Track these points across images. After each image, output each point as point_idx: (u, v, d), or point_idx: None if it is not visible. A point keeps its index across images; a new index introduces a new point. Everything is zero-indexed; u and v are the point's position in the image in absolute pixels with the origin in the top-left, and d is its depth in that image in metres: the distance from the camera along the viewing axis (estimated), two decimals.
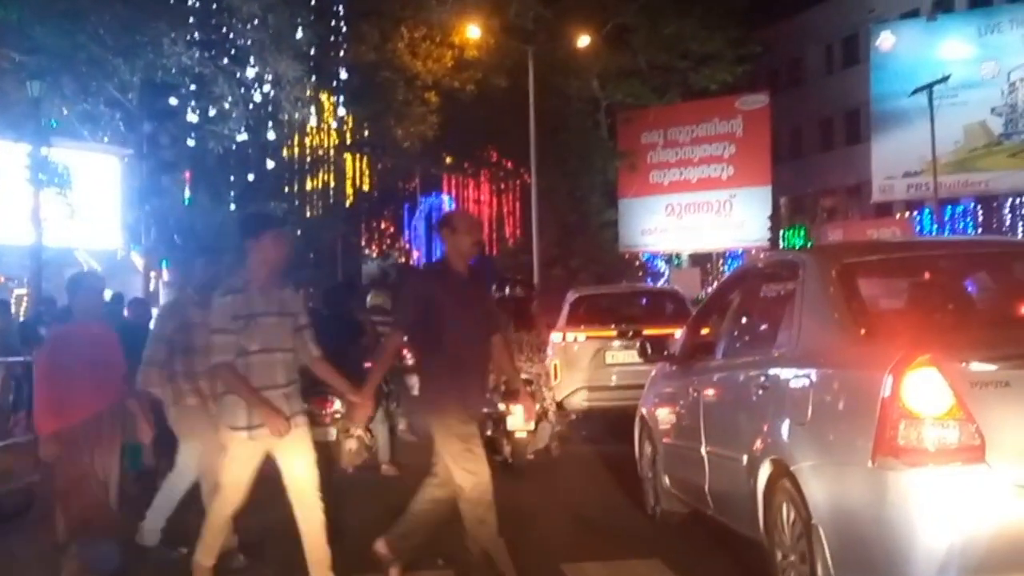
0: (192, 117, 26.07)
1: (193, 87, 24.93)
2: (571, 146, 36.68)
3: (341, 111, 36.05)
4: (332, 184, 46.71)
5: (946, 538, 4.34)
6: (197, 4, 25.46)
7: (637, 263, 39.49)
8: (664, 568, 6.79)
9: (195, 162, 27.62)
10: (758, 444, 5.63)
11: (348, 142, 38.27)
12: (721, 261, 37.82)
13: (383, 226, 70.25)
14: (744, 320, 7.08)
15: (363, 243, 68.51)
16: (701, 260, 37.69)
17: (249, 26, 25.57)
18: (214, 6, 25.86)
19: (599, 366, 13.73)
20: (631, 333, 13.43)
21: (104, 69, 20.33)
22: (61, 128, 22.62)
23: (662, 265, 38.90)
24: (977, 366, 4.50)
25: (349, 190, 50.21)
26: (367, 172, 48.81)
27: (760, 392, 5.82)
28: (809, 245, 32.95)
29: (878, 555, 4.55)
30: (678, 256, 38.77)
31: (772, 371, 5.74)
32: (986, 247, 7.87)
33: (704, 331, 7.88)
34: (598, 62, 35.29)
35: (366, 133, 37.02)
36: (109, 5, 21.18)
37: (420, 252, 65.37)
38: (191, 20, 24.39)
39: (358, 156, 44.87)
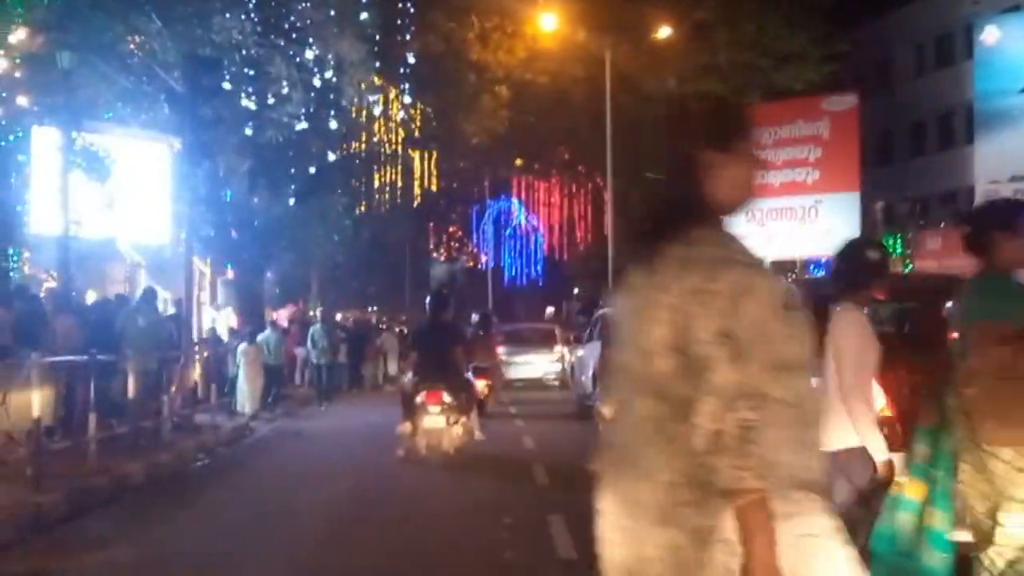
0: (248, 103, 24.81)
1: (248, 71, 23.68)
2: (646, 147, 35.12)
3: (407, 100, 34.88)
4: (399, 183, 45.81)
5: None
6: None
7: None
8: None
9: (253, 152, 26.40)
10: None
11: (415, 136, 37.06)
12: (805, 269, 35.92)
13: (451, 229, 69.38)
14: None
15: (431, 245, 67.74)
16: (784, 268, 35.83)
17: (308, 3, 24.30)
18: None
19: None
20: None
21: (146, 44, 19.10)
22: (105, 113, 21.43)
23: None
24: None
25: (417, 190, 49.34)
26: (435, 172, 47.89)
27: None
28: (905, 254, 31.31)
29: None
30: None
31: None
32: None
33: None
34: (676, 59, 33.72)
35: (434, 126, 35.77)
36: None
37: (488, 256, 64.44)
38: None
39: (426, 154, 43.94)
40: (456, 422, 13.06)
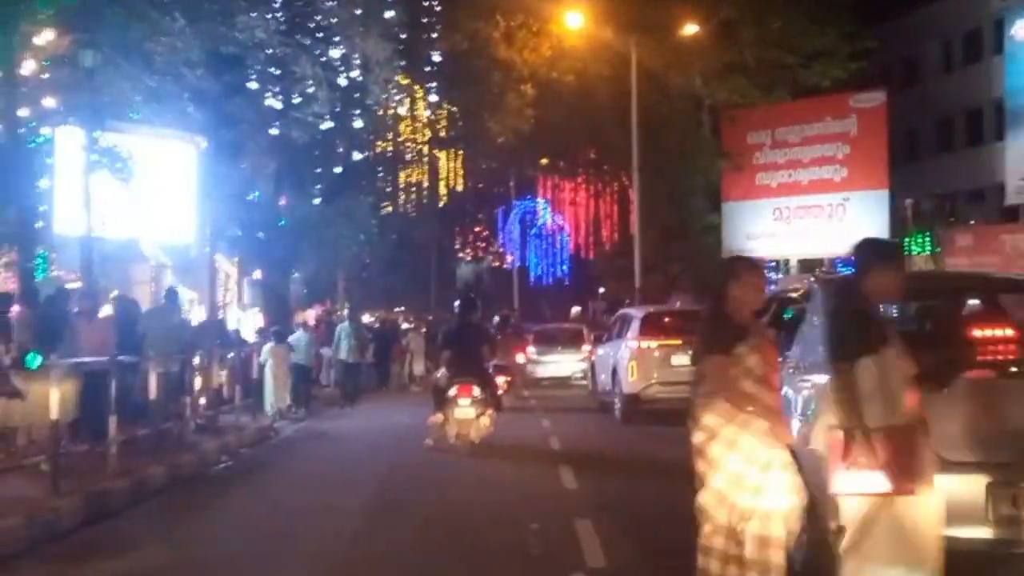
0: (274, 102, 24.73)
1: (274, 70, 23.58)
2: (672, 146, 34.92)
3: (433, 98, 34.83)
4: (425, 183, 45.85)
5: None
6: None
7: None
8: None
9: (279, 151, 26.34)
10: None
11: (441, 135, 37.04)
12: (833, 267, 35.54)
13: (477, 228, 69.37)
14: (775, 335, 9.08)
15: (456, 245, 67.76)
16: (811, 267, 35.54)
17: (334, 2, 24.21)
18: None
19: (667, 366, 17.50)
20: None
21: (171, 43, 19.02)
22: (130, 112, 21.37)
23: (773, 275, 36.80)
24: None
25: (443, 189, 49.35)
26: (461, 171, 47.88)
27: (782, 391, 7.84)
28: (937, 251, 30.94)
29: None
30: (786, 262, 36.69)
31: (788, 376, 7.22)
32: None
33: None
34: (702, 58, 33.50)
35: (459, 125, 35.71)
36: None
37: (514, 256, 64.35)
38: None
39: (452, 154, 43.93)
40: (483, 414, 14.39)
